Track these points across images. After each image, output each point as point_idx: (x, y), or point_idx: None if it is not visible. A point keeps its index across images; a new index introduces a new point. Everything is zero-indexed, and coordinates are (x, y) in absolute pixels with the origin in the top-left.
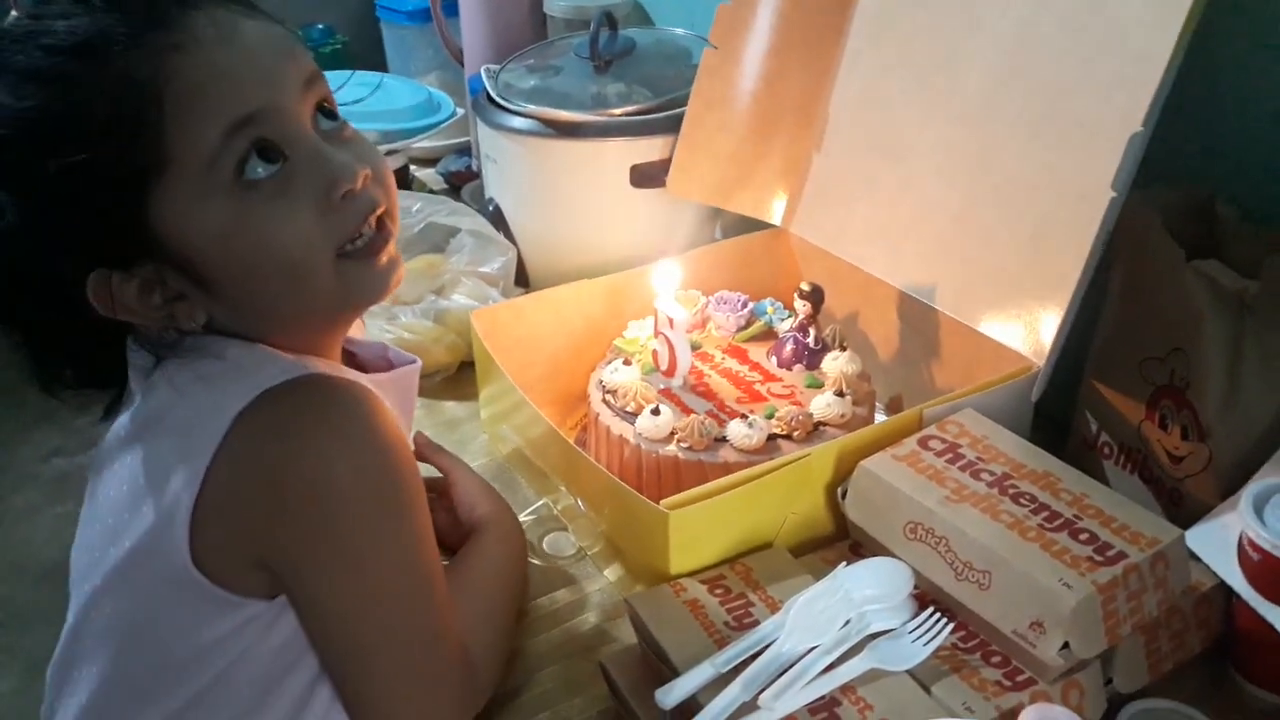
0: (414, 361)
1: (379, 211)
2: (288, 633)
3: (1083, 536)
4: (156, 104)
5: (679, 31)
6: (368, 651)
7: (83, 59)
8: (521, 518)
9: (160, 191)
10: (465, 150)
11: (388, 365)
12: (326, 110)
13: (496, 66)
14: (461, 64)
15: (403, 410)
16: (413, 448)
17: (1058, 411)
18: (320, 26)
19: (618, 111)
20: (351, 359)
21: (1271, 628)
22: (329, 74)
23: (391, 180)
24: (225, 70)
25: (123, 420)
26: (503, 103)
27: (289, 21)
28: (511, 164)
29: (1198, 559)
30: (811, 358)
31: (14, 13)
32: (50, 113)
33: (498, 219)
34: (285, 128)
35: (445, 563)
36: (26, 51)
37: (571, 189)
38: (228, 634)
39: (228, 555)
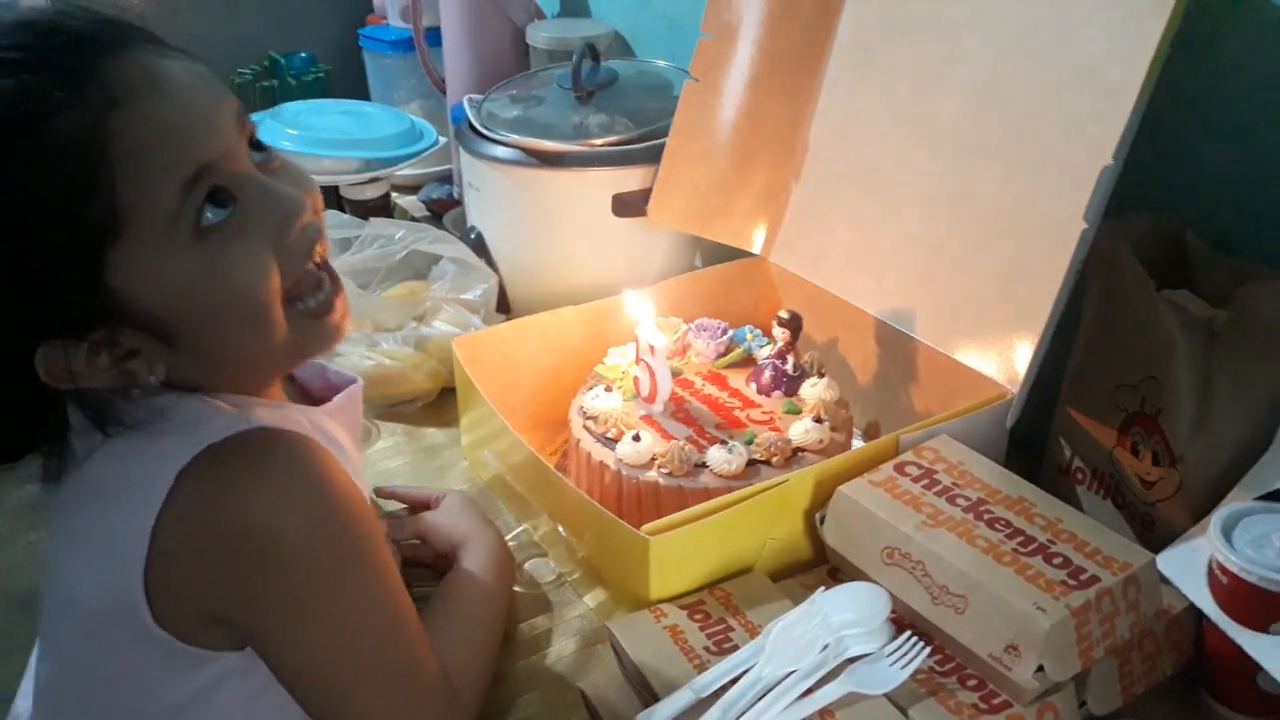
0: (354, 381)
1: (322, 244)
2: (264, 679)
3: (1056, 561)
4: (105, 166)
5: (660, 64)
6: (342, 696)
7: (13, 127)
8: None
9: (117, 255)
10: (447, 178)
11: (329, 385)
12: (255, 143)
13: (479, 96)
14: (444, 93)
15: (352, 432)
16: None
17: (1032, 438)
18: (303, 55)
19: (599, 141)
20: (293, 384)
21: (1241, 650)
22: (309, 103)
23: (320, 200)
24: (170, 123)
25: (71, 482)
26: (485, 132)
27: (204, 60)
28: (494, 192)
29: (1169, 582)
30: (790, 384)
31: None
32: None
33: (479, 247)
34: (232, 171)
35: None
36: None
37: (553, 217)
38: (206, 687)
39: (185, 613)
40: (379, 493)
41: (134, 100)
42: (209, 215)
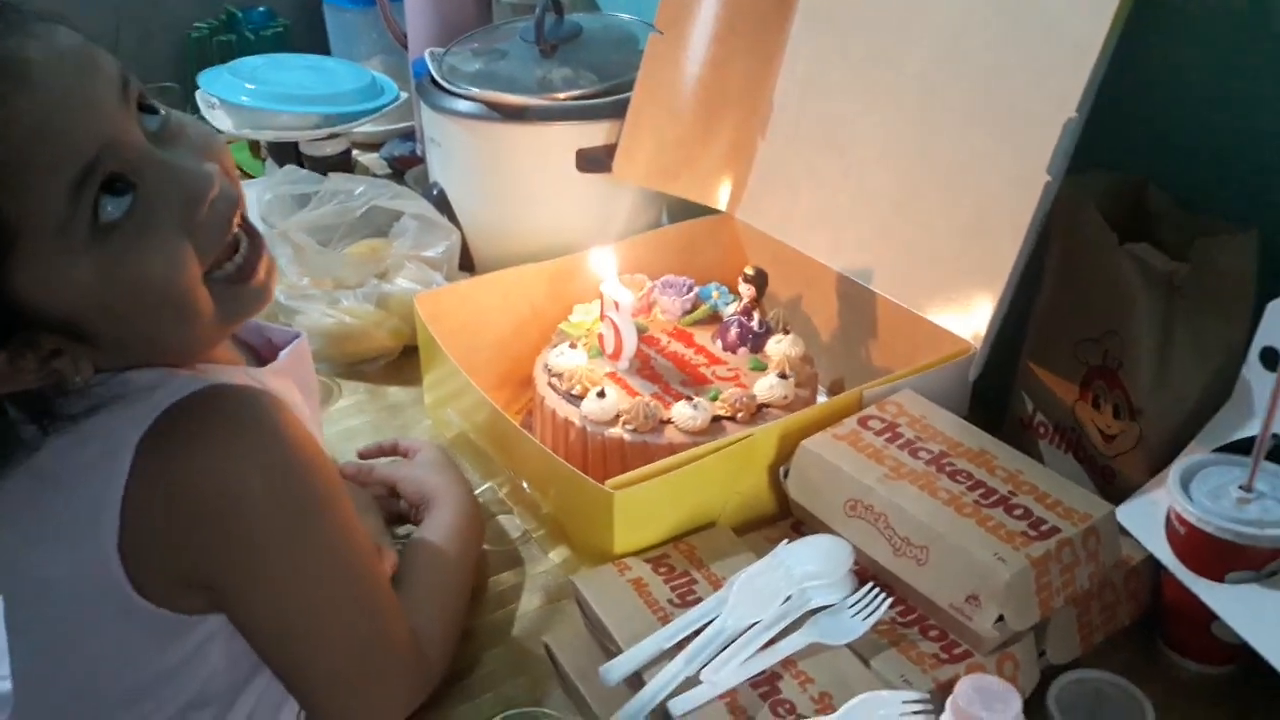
0: (298, 336)
1: (240, 209)
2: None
3: (1017, 512)
4: None
5: (625, 17)
6: (309, 653)
7: None
8: None
9: (14, 265)
10: (409, 135)
11: (270, 344)
12: (146, 106)
13: (441, 50)
14: (405, 48)
15: (305, 387)
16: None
17: (995, 393)
18: (261, 10)
19: (563, 96)
20: (239, 345)
21: (1196, 599)
22: (267, 57)
23: (230, 160)
24: (42, 120)
25: (23, 473)
26: (447, 86)
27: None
28: (456, 148)
29: (1128, 534)
30: (756, 341)
31: None
32: None
33: (442, 203)
34: (125, 155)
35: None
36: None
37: (516, 173)
38: (192, 651)
39: (162, 579)
40: (361, 454)
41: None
42: (108, 210)
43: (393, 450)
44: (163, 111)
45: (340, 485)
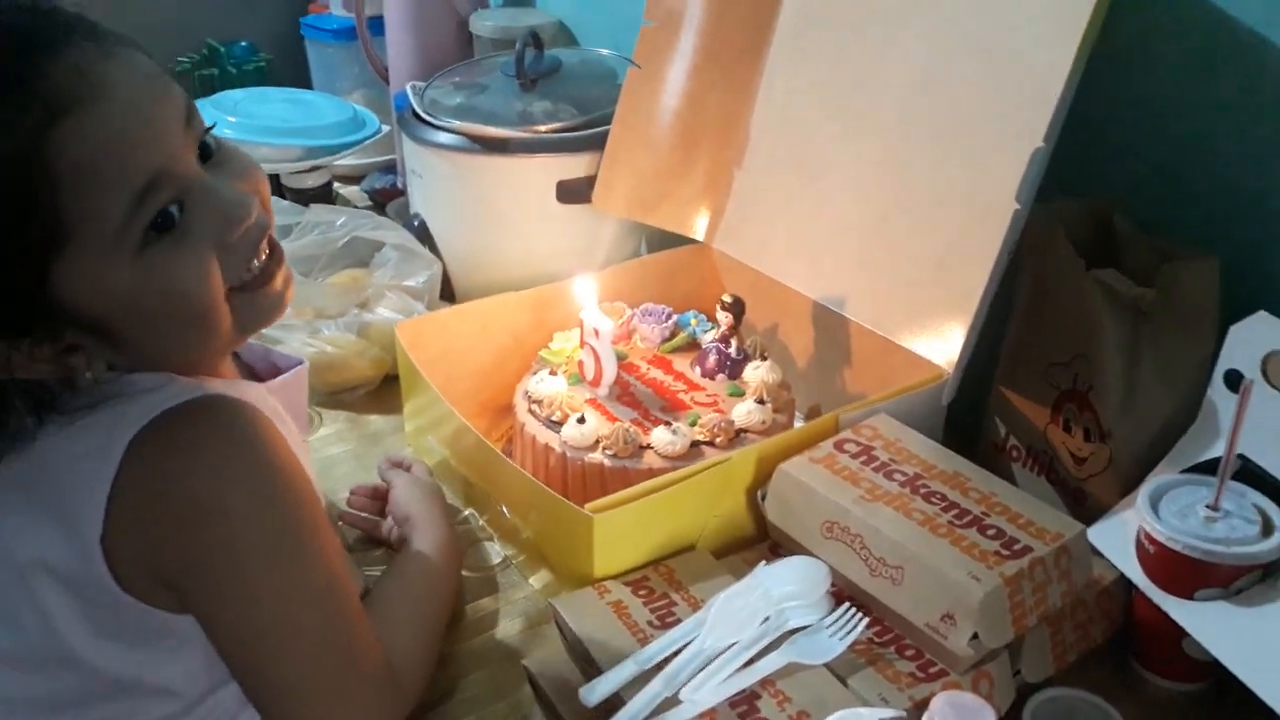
0: (300, 363)
1: (268, 234)
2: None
3: (990, 532)
4: (47, 184)
5: (604, 52)
6: (275, 667)
7: None
8: None
9: (61, 264)
10: (390, 168)
11: (274, 369)
12: (202, 134)
13: (422, 83)
14: (387, 82)
15: (296, 414)
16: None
17: (968, 418)
18: (243, 44)
19: (543, 128)
20: (240, 364)
21: (1167, 618)
22: (249, 90)
23: (267, 189)
24: (115, 134)
25: (26, 455)
26: (429, 119)
27: (145, 48)
28: (437, 179)
29: (1100, 554)
30: (734, 367)
31: None
32: None
33: (423, 234)
34: (181, 179)
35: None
36: None
37: (497, 204)
38: (173, 647)
39: (141, 577)
40: (343, 519)
41: (76, 111)
42: (158, 224)
43: (383, 494)
44: (214, 141)
45: (319, 506)
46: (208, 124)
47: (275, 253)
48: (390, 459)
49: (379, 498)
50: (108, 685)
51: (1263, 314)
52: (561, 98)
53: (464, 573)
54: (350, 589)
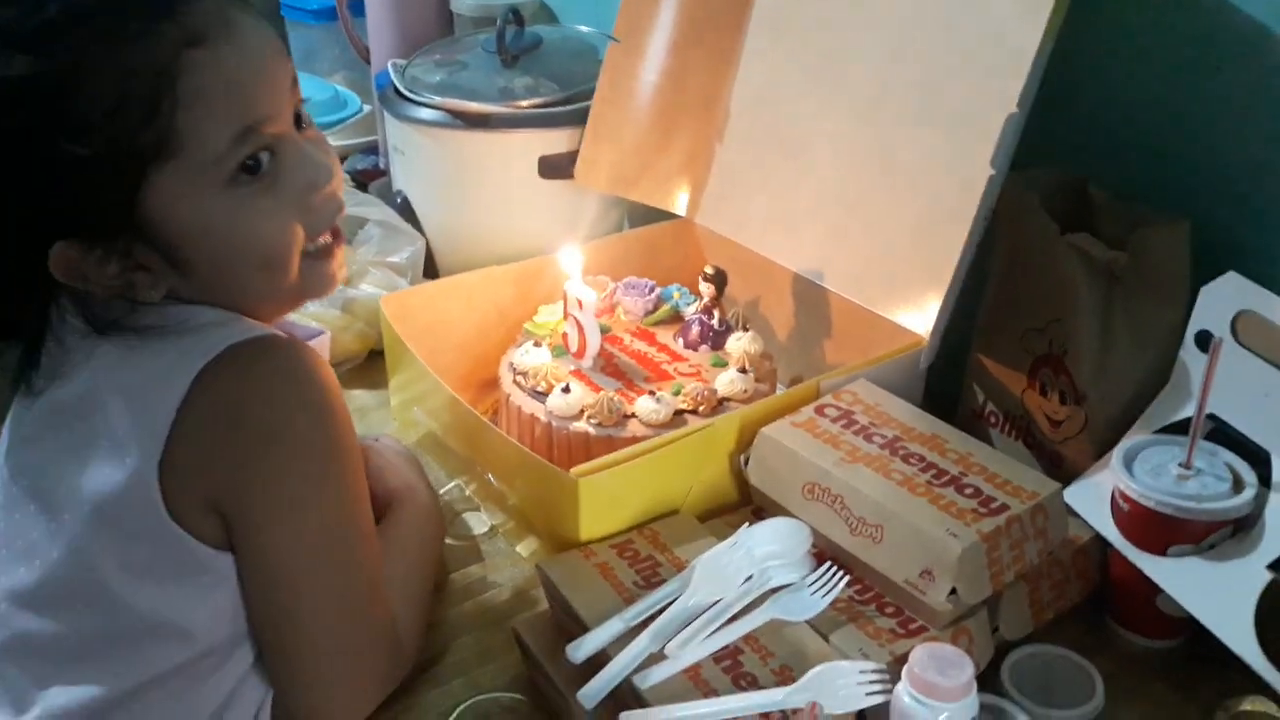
0: (322, 333)
1: (341, 213)
2: None
3: (968, 491)
4: (170, 96)
5: (584, 29)
6: (300, 608)
7: (93, 36)
8: None
9: (158, 178)
10: (373, 149)
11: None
12: (298, 111)
13: (404, 61)
14: (368, 62)
15: None
16: None
17: (948, 386)
18: None
19: (525, 104)
20: None
21: (1142, 577)
22: None
23: (341, 172)
24: (235, 74)
25: (51, 396)
26: (410, 95)
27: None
28: (419, 156)
29: (1076, 515)
30: (716, 338)
31: None
32: (59, 85)
33: (406, 211)
34: (279, 129)
35: None
36: (30, 18)
37: (479, 180)
38: (207, 586)
39: (191, 503)
40: None
41: (210, 44)
42: (250, 165)
43: None
44: (306, 115)
45: (360, 459)
46: None
47: (339, 236)
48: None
49: None
50: (131, 625)
51: (1232, 274)
52: (542, 74)
53: (453, 541)
54: (375, 537)
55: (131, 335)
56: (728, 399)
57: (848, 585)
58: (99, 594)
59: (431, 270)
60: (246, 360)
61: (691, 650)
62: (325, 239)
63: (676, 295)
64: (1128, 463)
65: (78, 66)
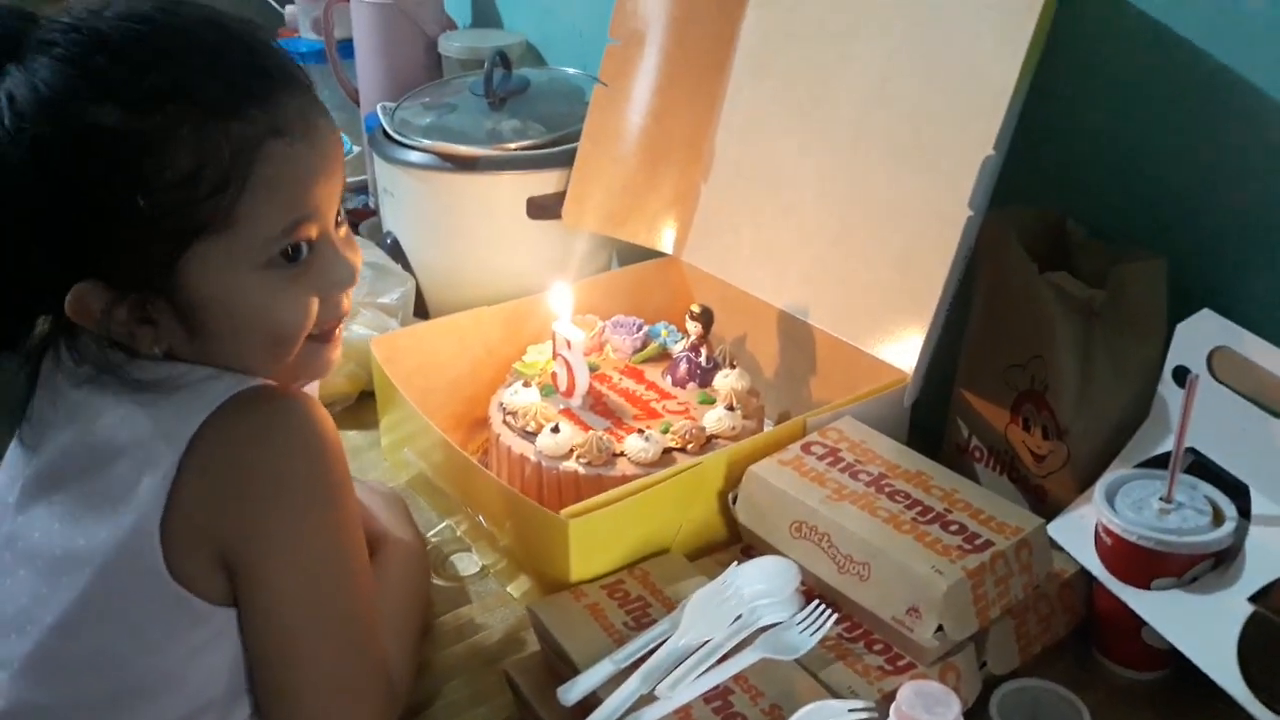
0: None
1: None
2: None
3: (953, 528)
4: (241, 178)
5: (571, 71)
6: (299, 648)
7: (190, 109)
8: None
9: (202, 246)
10: (361, 189)
11: None
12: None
13: (392, 103)
14: (357, 104)
15: None
16: None
17: (932, 421)
18: None
19: (513, 146)
20: None
21: (1126, 609)
22: None
23: (361, 260)
24: (305, 171)
25: (45, 456)
26: (399, 138)
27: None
28: (408, 197)
29: (1060, 549)
30: (704, 376)
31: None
32: (144, 144)
33: (395, 252)
34: (324, 227)
35: None
36: (138, 79)
37: (468, 221)
38: (201, 644)
39: (194, 557)
40: None
41: (290, 138)
42: (288, 253)
43: None
44: (344, 217)
45: (356, 501)
46: None
47: (340, 323)
48: None
49: None
50: (129, 686)
51: (1207, 312)
52: (530, 116)
53: (444, 582)
54: (372, 582)
55: (126, 389)
56: (716, 436)
57: (836, 623)
58: (96, 657)
59: (421, 310)
60: (245, 412)
61: (682, 691)
62: (329, 325)
63: (664, 333)
64: (1110, 497)
65: (167, 132)
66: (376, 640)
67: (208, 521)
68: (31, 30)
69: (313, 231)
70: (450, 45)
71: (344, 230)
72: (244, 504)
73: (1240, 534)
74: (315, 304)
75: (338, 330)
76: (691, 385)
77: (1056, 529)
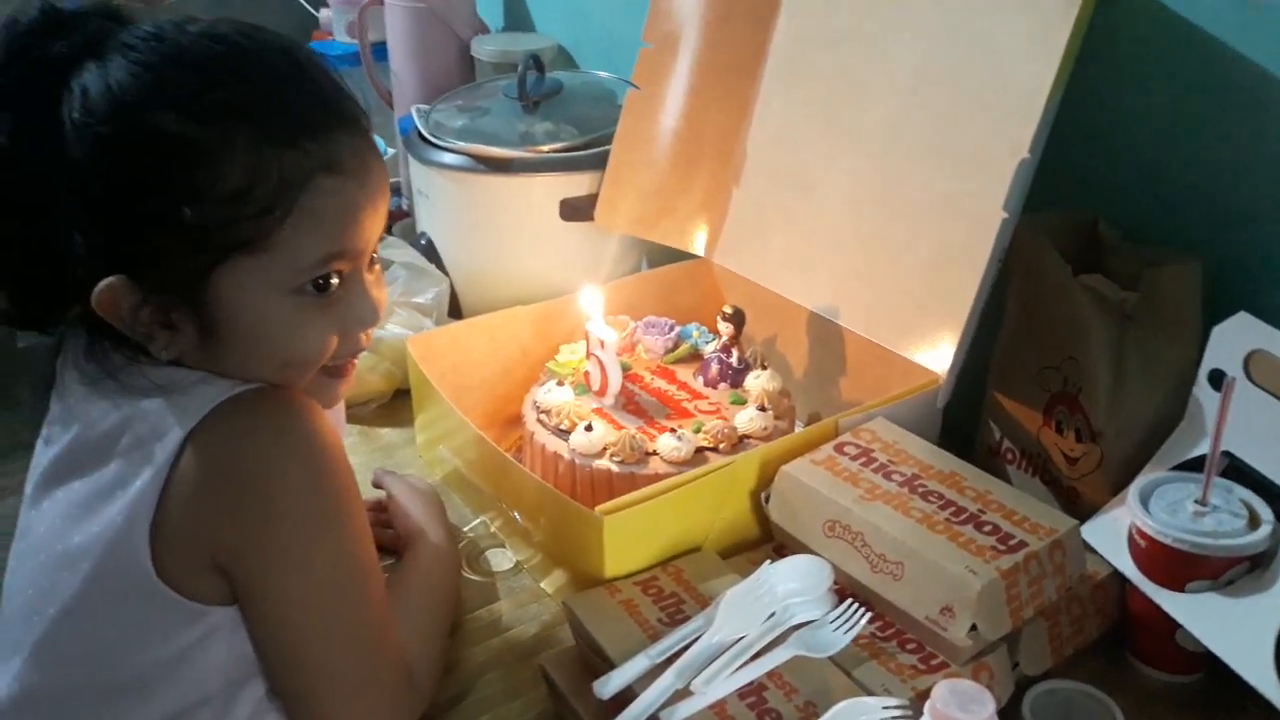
0: None
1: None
2: (247, 642)
3: (986, 528)
4: (287, 206)
5: (603, 74)
6: (310, 652)
7: (248, 129)
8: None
9: (237, 263)
10: (395, 191)
11: None
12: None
13: (426, 106)
14: (391, 106)
15: (335, 420)
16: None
17: (965, 423)
18: None
19: (546, 148)
20: None
21: (1160, 611)
22: None
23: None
24: (349, 209)
25: (53, 451)
26: (434, 140)
27: None
28: (443, 199)
29: (1094, 551)
30: (735, 376)
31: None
32: (199, 155)
33: (430, 252)
34: (356, 263)
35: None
36: (203, 93)
37: (502, 223)
38: (196, 641)
39: (185, 561)
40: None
41: (340, 173)
42: (318, 283)
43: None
44: (379, 258)
45: (360, 499)
46: None
47: (354, 360)
48: (381, 470)
49: (378, 509)
50: (123, 683)
51: (1243, 315)
52: (563, 118)
53: (478, 577)
54: (381, 579)
55: (129, 389)
56: (747, 436)
57: (869, 622)
58: (92, 649)
59: (456, 310)
60: (240, 413)
61: (717, 687)
62: (343, 360)
63: (695, 334)
64: (1144, 499)
65: (223, 146)
66: (390, 637)
67: (200, 526)
68: (117, 32)
69: (346, 267)
70: (483, 48)
71: (376, 270)
72: (241, 511)
73: (1276, 538)
74: (335, 339)
75: (350, 369)
76: (723, 386)
77: (1090, 531)
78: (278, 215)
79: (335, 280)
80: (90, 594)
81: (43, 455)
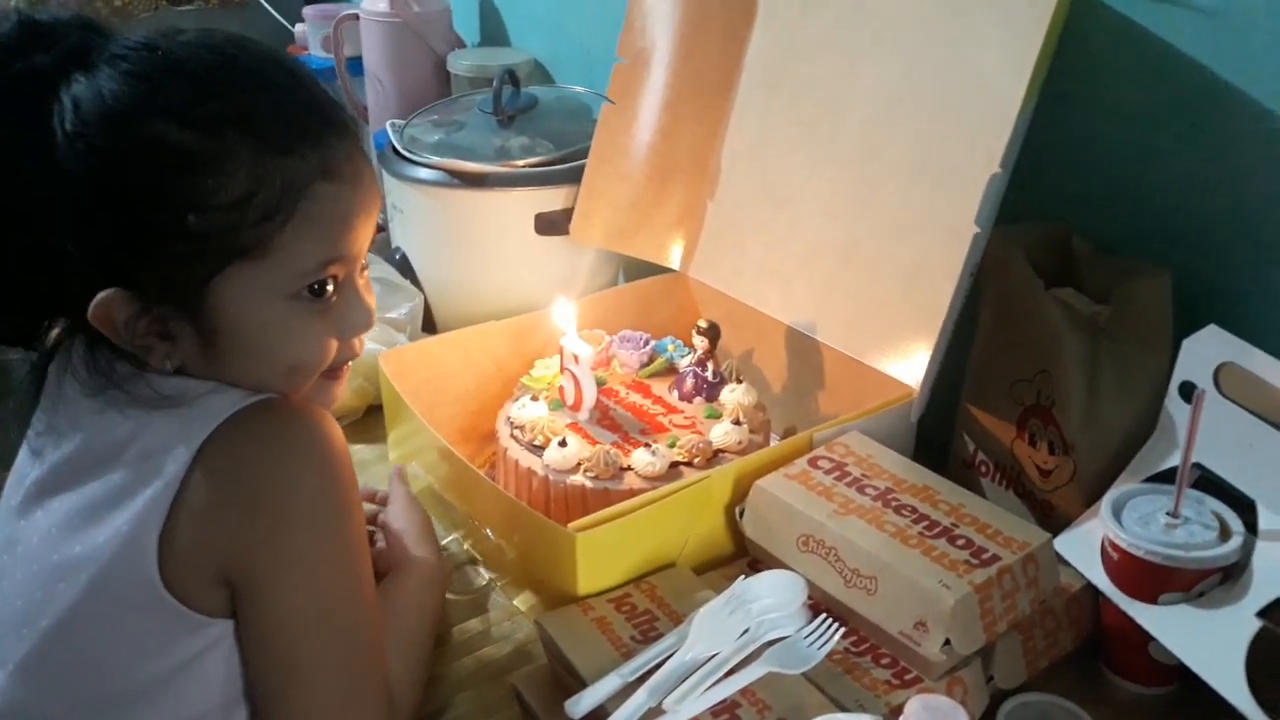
0: None
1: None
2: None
3: (960, 542)
4: (287, 212)
5: (578, 89)
6: (301, 671)
7: (248, 138)
8: None
9: (235, 271)
10: None
11: None
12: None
13: (401, 121)
14: (366, 121)
15: None
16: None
17: (939, 436)
18: None
19: (521, 163)
20: None
21: (1133, 624)
22: None
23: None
24: (346, 214)
25: (49, 461)
26: (409, 155)
27: None
28: (417, 213)
29: (1067, 563)
30: (710, 390)
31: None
32: (199, 163)
33: (404, 267)
34: (351, 270)
35: None
36: (202, 102)
37: (477, 237)
38: (195, 655)
39: (193, 571)
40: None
41: (337, 179)
42: (315, 289)
43: (371, 498)
44: (369, 263)
45: (361, 508)
46: None
47: (349, 363)
48: (401, 471)
49: (368, 499)
50: (119, 694)
51: (1213, 327)
52: (538, 133)
53: (451, 596)
54: (375, 595)
55: (134, 401)
56: (722, 450)
57: (843, 637)
58: (89, 663)
59: (430, 325)
60: (254, 425)
61: (689, 705)
62: (338, 363)
63: (671, 348)
64: (1116, 512)
65: (224, 154)
66: (379, 657)
67: (211, 536)
68: (102, 44)
69: (341, 272)
70: (459, 63)
71: (366, 276)
72: (252, 520)
73: (1247, 549)
74: (334, 344)
75: (345, 371)
76: (698, 400)
77: (1063, 544)
78: (279, 221)
79: (331, 286)
80: (89, 604)
81: (30, 466)
